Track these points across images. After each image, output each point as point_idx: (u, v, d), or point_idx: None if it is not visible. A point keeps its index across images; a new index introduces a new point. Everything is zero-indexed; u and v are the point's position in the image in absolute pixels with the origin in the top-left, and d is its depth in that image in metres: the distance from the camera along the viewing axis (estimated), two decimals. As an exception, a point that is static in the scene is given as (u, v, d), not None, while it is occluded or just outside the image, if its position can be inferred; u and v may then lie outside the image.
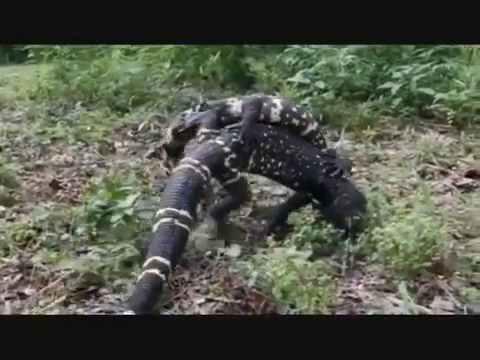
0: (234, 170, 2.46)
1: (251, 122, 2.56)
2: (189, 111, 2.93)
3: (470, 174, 3.42)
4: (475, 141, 3.97)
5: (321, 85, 4.67)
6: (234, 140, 2.48)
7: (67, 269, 2.04)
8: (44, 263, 2.23)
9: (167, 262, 1.95)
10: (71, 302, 1.98)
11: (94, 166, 3.66)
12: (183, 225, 2.10)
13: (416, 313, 1.84)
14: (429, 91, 4.56)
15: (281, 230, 2.47)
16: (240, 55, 6.06)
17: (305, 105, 4.67)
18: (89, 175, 3.48)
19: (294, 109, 2.72)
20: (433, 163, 3.62)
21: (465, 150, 3.86)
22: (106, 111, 5.04)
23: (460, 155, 3.77)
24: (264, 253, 2.02)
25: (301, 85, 4.84)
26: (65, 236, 2.48)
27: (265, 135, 2.59)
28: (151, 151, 4.00)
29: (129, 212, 2.19)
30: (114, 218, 2.19)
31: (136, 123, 4.72)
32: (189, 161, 2.35)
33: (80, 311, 1.93)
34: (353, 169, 3.57)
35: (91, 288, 2.03)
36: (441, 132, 4.40)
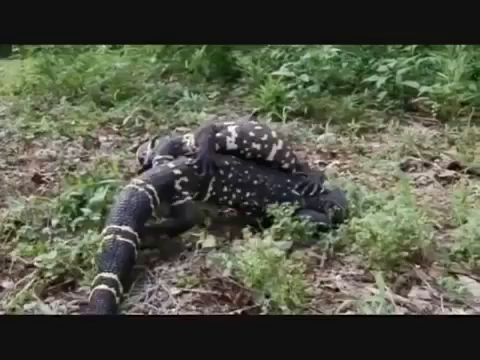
0: (185, 193, 2.42)
1: (206, 146, 2.49)
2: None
3: (452, 166, 3.44)
4: (458, 134, 3.99)
5: (306, 78, 4.66)
6: (187, 163, 2.45)
7: (40, 261, 2.03)
8: (22, 256, 2.22)
9: (114, 276, 1.93)
10: (48, 294, 1.98)
11: (77, 160, 3.64)
12: (125, 239, 2.08)
13: (393, 302, 1.86)
14: (414, 84, 4.58)
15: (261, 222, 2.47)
16: (226, 49, 6.04)
17: (291, 98, 4.69)
18: (72, 169, 3.45)
19: (252, 134, 2.58)
20: (416, 155, 3.64)
21: (448, 143, 3.89)
22: (91, 105, 5.01)
23: (443, 147, 3.79)
24: (242, 245, 2.02)
25: (286, 78, 4.83)
26: (46, 229, 2.46)
27: (227, 164, 2.51)
28: (135, 145, 3.98)
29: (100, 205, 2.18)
30: (86, 210, 2.18)
31: (121, 117, 4.68)
32: (134, 181, 2.34)
33: (57, 302, 1.94)
34: (337, 161, 3.60)
35: (68, 280, 2.03)
36: (426, 125, 4.43)
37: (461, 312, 1.89)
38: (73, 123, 4.48)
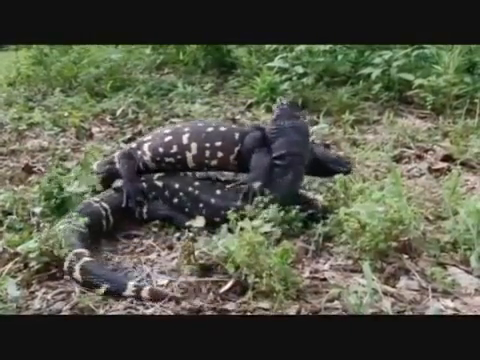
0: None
1: (127, 177, 2.54)
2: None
3: (446, 158, 3.43)
4: (453, 126, 3.97)
5: (300, 70, 4.63)
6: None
7: (23, 249, 2.01)
8: (9, 246, 2.20)
9: None
10: (32, 283, 1.96)
11: (68, 151, 3.61)
12: None
13: (380, 292, 1.84)
14: (409, 76, 4.55)
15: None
16: (222, 41, 5.99)
17: (285, 90, 4.66)
18: (63, 160, 3.43)
19: (161, 149, 2.52)
20: (410, 147, 3.62)
21: (442, 135, 3.87)
22: (85, 97, 4.97)
23: (437, 140, 3.77)
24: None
25: (281, 70, 4.80)
26: (34, 219, 2.44)
27: (160, 185, 2.57)
28: (128, 136, 3.97)
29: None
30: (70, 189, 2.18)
31: (115, 109, 4.65)
32: None
33: (43, 290, 1.92)
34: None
35: (53, 270, 2.01)
36: (420, 117, 4.40)
37: (449, 302, 1.88)
38: (66, 114, 4.45)
